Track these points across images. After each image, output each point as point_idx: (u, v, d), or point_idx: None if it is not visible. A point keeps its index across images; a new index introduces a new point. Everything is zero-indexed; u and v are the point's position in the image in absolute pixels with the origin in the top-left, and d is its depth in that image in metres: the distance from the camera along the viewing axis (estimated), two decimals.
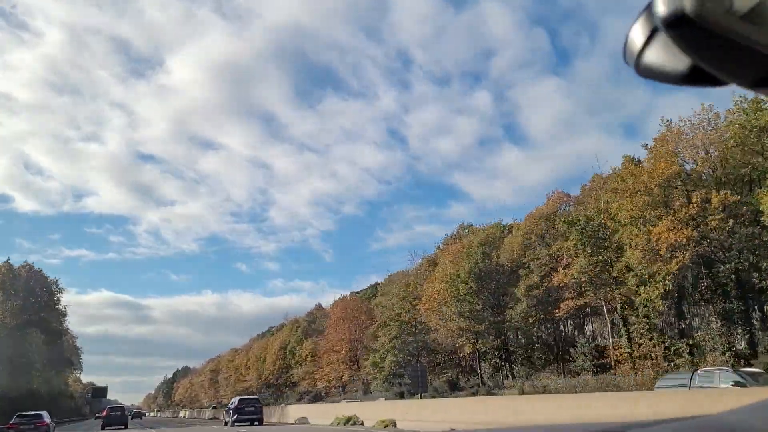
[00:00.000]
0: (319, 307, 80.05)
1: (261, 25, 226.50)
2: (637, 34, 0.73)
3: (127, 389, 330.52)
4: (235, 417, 33.85)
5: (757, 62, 0.67)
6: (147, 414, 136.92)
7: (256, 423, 33.72)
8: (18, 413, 28.90)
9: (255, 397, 41.15)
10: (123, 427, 39.69)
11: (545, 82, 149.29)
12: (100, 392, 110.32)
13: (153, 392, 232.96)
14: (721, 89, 0.75)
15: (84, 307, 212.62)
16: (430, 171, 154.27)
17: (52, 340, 54.11)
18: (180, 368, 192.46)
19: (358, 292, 71.19)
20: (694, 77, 0.72)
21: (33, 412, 29.37)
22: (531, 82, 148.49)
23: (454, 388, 39.12)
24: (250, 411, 34.30)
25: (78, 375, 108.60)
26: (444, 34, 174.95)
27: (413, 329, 43.66)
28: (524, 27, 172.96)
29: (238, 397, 38.63)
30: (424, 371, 31.12)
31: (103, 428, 38.64)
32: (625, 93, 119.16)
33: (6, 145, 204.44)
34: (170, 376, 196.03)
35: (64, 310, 59.32)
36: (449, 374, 44.22)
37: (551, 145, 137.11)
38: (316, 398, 61.97)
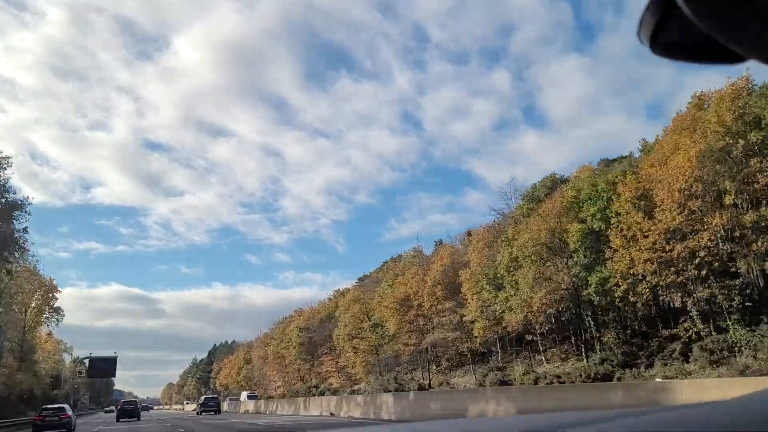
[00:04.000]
0: None
1: (270, 1, 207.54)
2: (653, 10, 0.69)
3: (142, 383, 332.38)
4: (201, 409, 50.43)
5: None
6: (152, 407, 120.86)
7: (216, 412, 49.10)
8: (43, 407, 30.67)
9: (215, 396, 63.00)
10: (136, 419, 42.55)
11: (567, 60, 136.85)
12: (102, 368, 58.53)
13: (178, 380, 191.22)
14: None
15: (95, 301, 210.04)
16: (446, 157, 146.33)
17: None
18: (218, 344, 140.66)
19: None
20: (711, 54, 0.69)
21: (57, 406, 31.28)
22: (552, 60, 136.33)
23: None
24: (211, 405, 50.42)
25: (51, 328, 55.84)
26: (462, 9, 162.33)
27: None
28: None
29: (203, 396, 60.63)
30: None
31: (117, 420, 42.11)
32: (650, 71, 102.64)
33: (11, 134, 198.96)
34: (204, 356, 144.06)
35: None
36: None
37: (572, 127, 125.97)
38: None
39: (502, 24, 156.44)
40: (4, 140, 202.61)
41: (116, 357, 58.08)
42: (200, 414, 49.26)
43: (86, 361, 61.80)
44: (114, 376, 61.85)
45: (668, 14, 0.67)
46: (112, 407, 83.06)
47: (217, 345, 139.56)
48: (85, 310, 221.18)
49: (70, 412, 28.99)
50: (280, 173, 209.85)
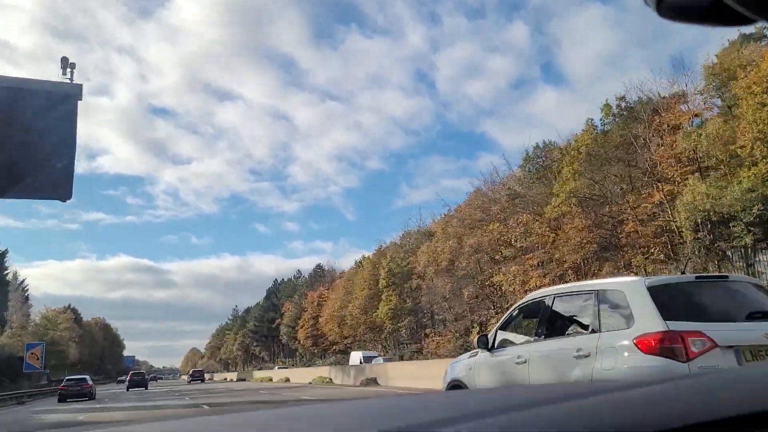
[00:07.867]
0: None
1: None
2: None
3: (155, 354, 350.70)
4: (191, 379, 69.07)
5: None
6: (161, 378, 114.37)
7: (201, 381, 67.13)
8: (66, 378, 35.38)
9: (201, 369, 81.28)
10: (144, 388, 47.76)
11: (590, 10, 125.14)
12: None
13: (209, 342, 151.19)
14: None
15: (104, 273, 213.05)
16: (460, 119, 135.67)
17: None
18: (280, 280, 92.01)
19: None
20: (719, 16, 0.66)
21: (79, 377, 35.51)
22: (574, 11, 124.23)
23: None
24: (197, 376, 69.26)
25: None
26: None
27: None
28: None
29: (192, 370, 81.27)
30: None
31: (128, 390, 46.57)
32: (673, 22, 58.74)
33: None
34: (260, 299, 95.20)
35: None
36: None
37: (592, 83, 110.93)
38: None
39: None
40: None
41: (78, 90, 7.84)
42: (189, 383, 62.92)
43: None
44: (69, 198, 11.68)
45: None
46: (124, 377, 79.84)
47: (279, 281, 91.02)
48: (96, 281, 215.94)
49: (90, 382, 34.00)
50: (290, 139, 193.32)
